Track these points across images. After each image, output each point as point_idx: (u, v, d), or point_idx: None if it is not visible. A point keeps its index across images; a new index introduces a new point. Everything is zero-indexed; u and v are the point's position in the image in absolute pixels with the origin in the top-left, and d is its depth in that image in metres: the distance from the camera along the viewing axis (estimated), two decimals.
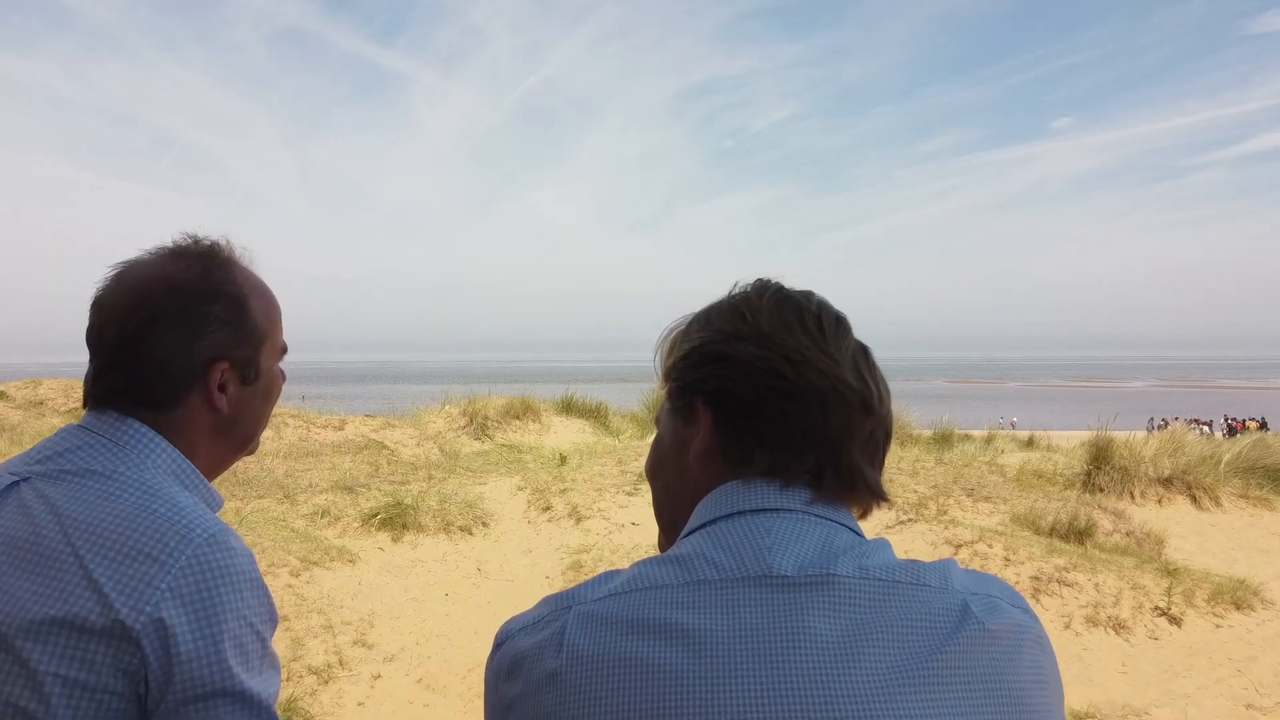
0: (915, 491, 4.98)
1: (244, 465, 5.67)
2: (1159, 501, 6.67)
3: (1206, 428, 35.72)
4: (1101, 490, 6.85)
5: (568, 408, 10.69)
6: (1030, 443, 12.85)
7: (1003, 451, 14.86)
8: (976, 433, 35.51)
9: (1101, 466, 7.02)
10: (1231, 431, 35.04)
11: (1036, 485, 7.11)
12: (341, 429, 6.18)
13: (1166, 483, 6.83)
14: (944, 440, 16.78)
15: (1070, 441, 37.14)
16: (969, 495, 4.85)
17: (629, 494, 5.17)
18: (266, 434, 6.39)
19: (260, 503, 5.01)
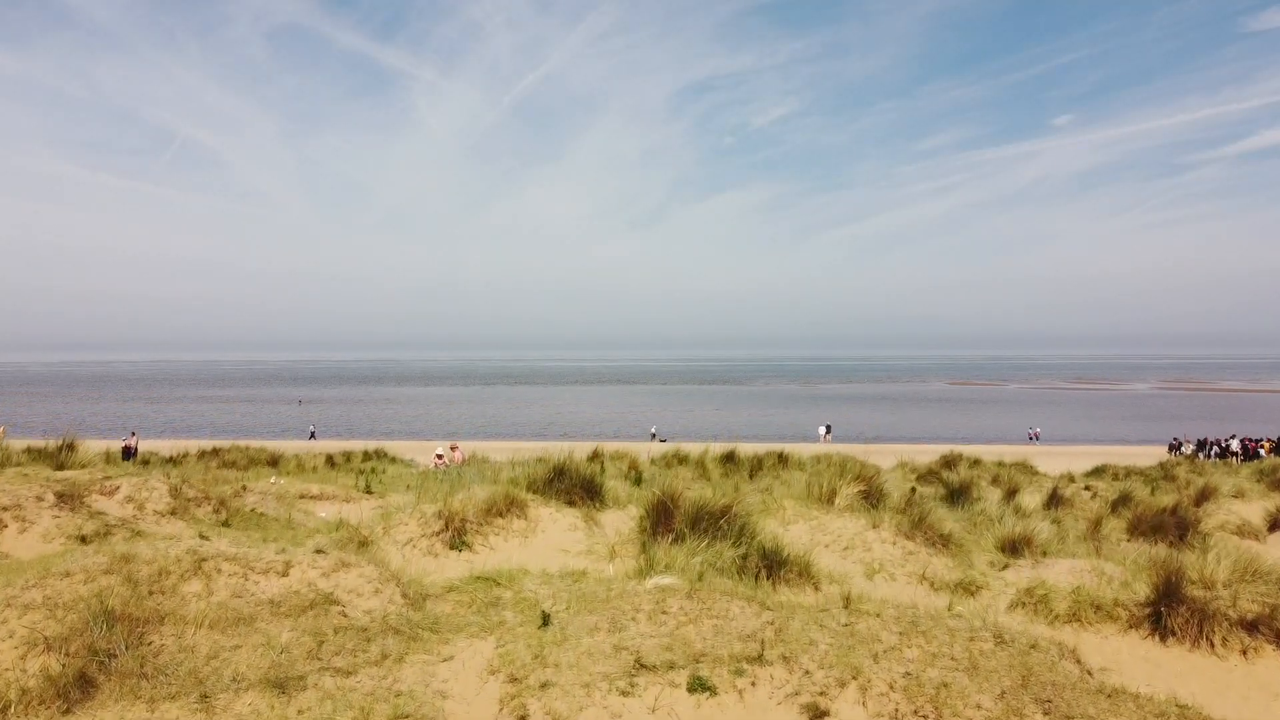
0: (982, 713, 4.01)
1: (159, 643, 4.67)
2: (1244, 653, 5.71)
3: (1225, 447, 34.74)
4: (1175, 635, 5.88)
5: (556, 484, 9.73)
6: (1056, 471, 11.89)
7: (1029, 513, 13.91)
8: (987, 458, 34.30)
9: (1171, 603, 6.04)
10: (1247, 454, 34.11)
11: (1095, 623, 6.15)
12: (286, 574, 5.19)
13: (1251, 626, 5.86)
14: (961, 496, 15.83)
15: (1090, 458, 35.44)
16: (1045, 714, 3.87)
17: (623, 693, 4.22)
18: (193, 588, 5.40)
19: (167, 710, 4.04)
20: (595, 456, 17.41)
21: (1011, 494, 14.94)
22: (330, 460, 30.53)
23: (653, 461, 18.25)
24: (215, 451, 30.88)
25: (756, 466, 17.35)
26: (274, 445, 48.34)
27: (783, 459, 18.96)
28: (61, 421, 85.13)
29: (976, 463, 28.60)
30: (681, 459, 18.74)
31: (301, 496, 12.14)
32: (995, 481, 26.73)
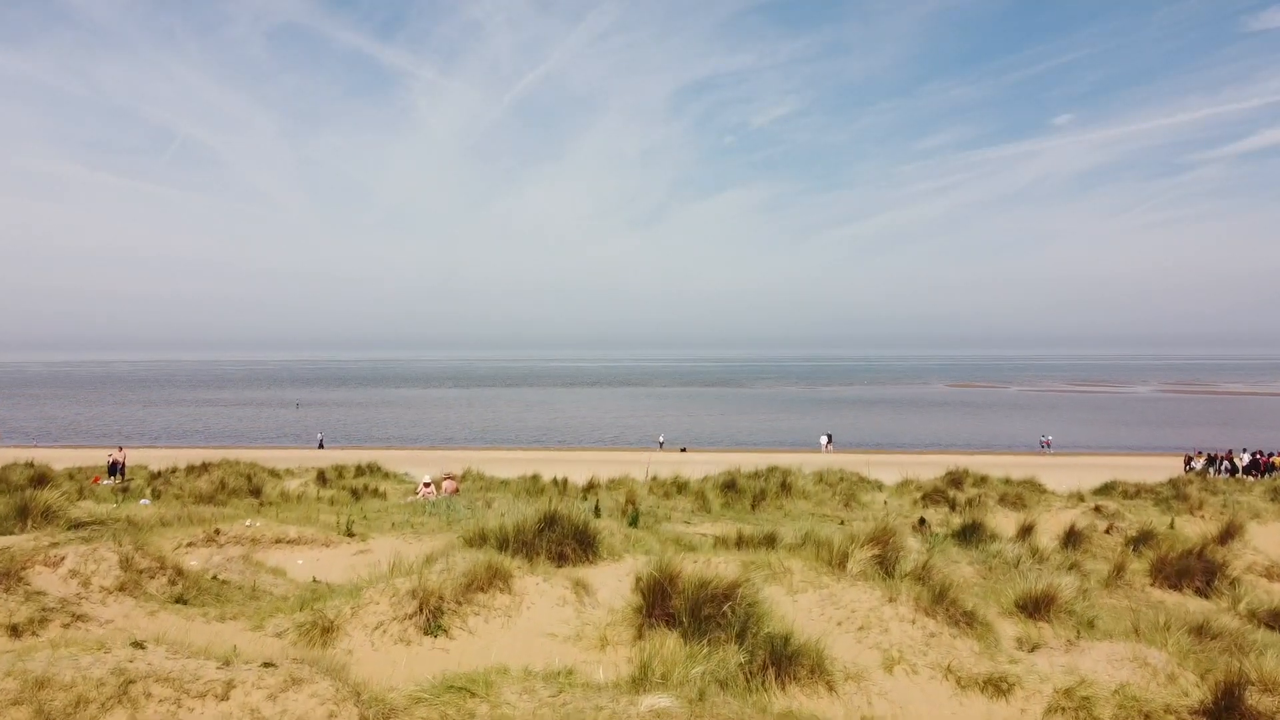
0: None
1: None
2: None
3: (1236, 463, 34.06)
4: None
5: (548, 533, 9.06)
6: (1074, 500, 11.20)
7: (1046, 556, 13.19)
8: (994, 472, 33.53)
9: (1232, 715, 5.36)
10: (1257, 468, 33.42)
11: None
12: (226, 698, 4.50)
13: None
14: (973, 534, 15.05)
15: (1099, 471, 34.59)
16: None
17: None
18: (120, 717, 4.70)
19: None
20: (591, 489, 16.72)
21: (1026, 531, 14.23)
22: (322, 477, 29.86)
23: (651, 489, 17.55)
24: (205, 466, 30.22)
25: (759, 496, 16.64)
26: (267, 455, 47.67)
27: (785, 487, 18.24)
28: (56, 426, 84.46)
29: (983, 479, 27.91)
30: (680, 486, 18.05)
31: (277, 541, 11.46)
32: (1003, 501, 26.06)
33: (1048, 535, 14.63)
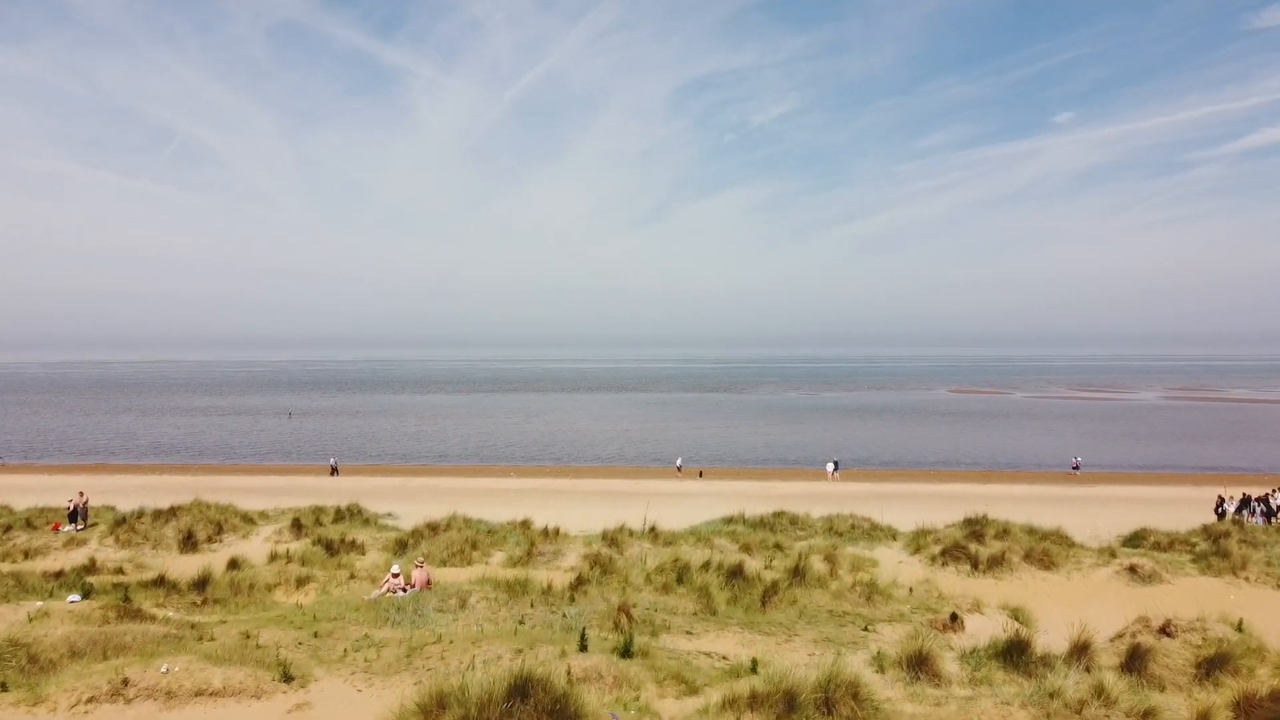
0: None
1: None
2: None
3: (1272, 506, 32.12)
4: None
5: (519, 708, 7.25)
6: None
7: (1110, 693, 11.28)
8: (1015, 510, 31.49)
9: None
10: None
11: None
12: None
13: None
14: (1017, 655, 13.03)
15: (1125, 506, 32.43)
16: None
17: None
18: None
19: None
20: (579, 585, 14.73)
21: (1080, 650, 12.25)
22: (297, 524, 27.97)
23: (649, 579, 15.60)
24: (174, 511, 28.34)
25: (770, 590, 14.70)
26: (251, 483, 45.63)
27: (799, 573, 16.30)
28: (45, 440, 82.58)
29: (1005, 530, 25.93)
30: (682, 571, 16.11)
31: (198, 694, 9.57)
32: (1030, 558, 24.12)
33: (1106, 654, 12.68)
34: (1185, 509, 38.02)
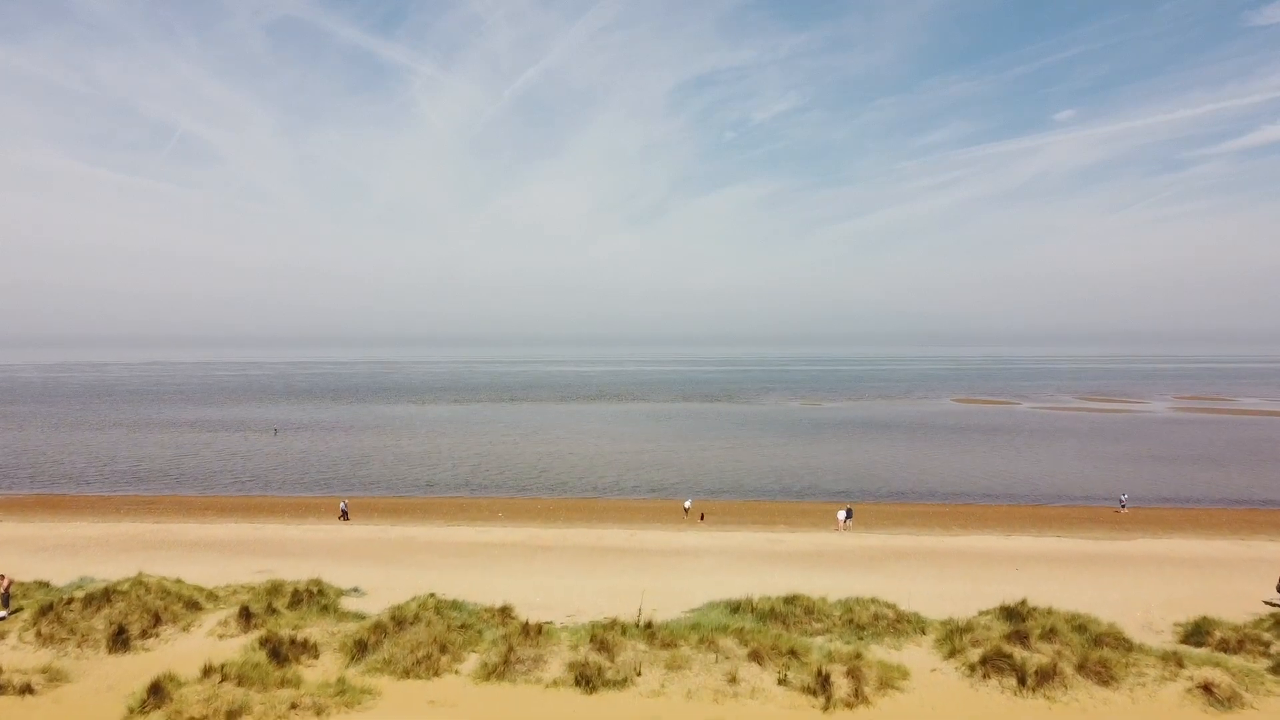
0: None
1: None
2: None
3: None
4: None
5: None
6: None
7: None
8: (1053, 578, 27.70)
9: None
10: None
11: None
12: None
13: None
14: None
15: (1177, 570, 28.35)
16: None
17: None
18: None
19: None
20: None
21: None
22: (246, 613, 24.70)
23: None
24: (109, 597, 25.09)
25: None
26: (203, 554, 41.87)
27: (817, 693, 12.97)
28: (20, 465, 79.15)
29: (1052, 631, 22.60)
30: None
31: None
32: (1083, 669, 20.91)
33: None
34: (1238, 574, 34.72)
